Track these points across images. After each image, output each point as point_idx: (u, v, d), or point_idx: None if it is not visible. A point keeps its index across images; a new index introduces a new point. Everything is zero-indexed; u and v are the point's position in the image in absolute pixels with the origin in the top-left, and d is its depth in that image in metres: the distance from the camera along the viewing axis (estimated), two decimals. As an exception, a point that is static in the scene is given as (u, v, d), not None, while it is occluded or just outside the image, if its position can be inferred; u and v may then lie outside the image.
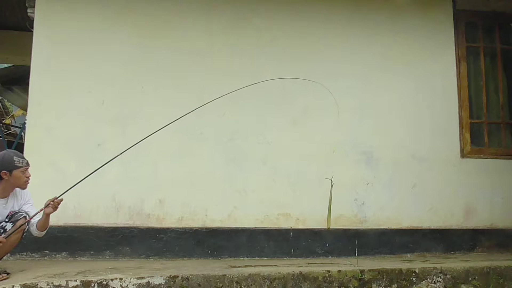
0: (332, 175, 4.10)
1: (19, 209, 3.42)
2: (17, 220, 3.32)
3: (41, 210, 3.32)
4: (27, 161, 3.40)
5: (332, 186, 3.29)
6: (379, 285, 3.27)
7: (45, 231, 3.47)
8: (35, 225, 3.41)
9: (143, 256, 4.19)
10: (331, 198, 3.31)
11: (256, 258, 4.30)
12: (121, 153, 3.32)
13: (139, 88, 4.42)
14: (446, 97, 4.85)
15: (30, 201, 3.53)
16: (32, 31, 4.33)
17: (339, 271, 3.28)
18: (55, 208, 3.30)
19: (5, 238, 3.22)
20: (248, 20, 4.66)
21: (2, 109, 11.76)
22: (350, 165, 4.60)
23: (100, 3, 4.46)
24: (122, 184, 4.26)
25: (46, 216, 3.33)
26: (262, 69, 4.52)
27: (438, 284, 3.35)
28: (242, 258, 4.27)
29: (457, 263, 3.73)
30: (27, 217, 3.37)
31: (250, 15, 4.66)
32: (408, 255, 4.50)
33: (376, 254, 4.47)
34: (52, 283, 2.90)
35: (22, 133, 6.57)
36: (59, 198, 3.28)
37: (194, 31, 4.57)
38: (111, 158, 3.30)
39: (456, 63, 4.93)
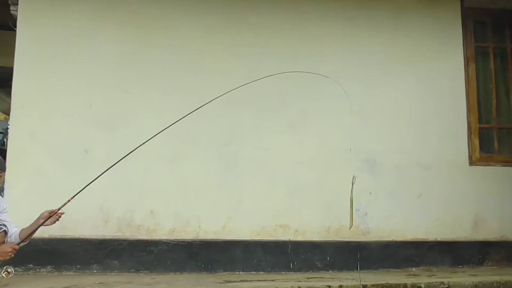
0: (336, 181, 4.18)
1: None
2: None
3: (41, 224, 3.15)
4: None
5: (353, 183, 3.28)
6: (383, 300, 3.26)
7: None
8: (13, 236, 3.25)
9: (133, 270, 4.12)
10: (352, 199, 3.31)
11: (253, 272, 4.23)
12: (116, 162, 3.23)
13: (129, 90, 4.36)
14: (453, 101, 4.79)
15: (6, 210, 3.42)
16: (15, 30, 4.30)
17: (340, 286, 3.28)
18: (57, 220, 3.20)
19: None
20: (245, 18, 4.62)
21: (-17, 114, 11.64)
22: (351, 173, 4.42)
23: (87, 0, 4.42)
24: (110, 193, 4.18)
25: (38, 227, 3.20)
26: (259, 70, 4.38)
27: (445, 299, 3.32)
28: (238, 273, 4.21)
29: (465, 277, 3.70)
30: (6, 229, 3.23)
31: (247, 13, 4.62)
32: (414, 269, 4.42)
33: (379, 268, 4.39)
34: (36, 300, 2.80)
35: (5, 139, 6.43)
36: (60, 212, 3.18)
37: (188, 30, 4.52)
38: (109, 167, 3.22)
39: (464, 64, 4.86)
